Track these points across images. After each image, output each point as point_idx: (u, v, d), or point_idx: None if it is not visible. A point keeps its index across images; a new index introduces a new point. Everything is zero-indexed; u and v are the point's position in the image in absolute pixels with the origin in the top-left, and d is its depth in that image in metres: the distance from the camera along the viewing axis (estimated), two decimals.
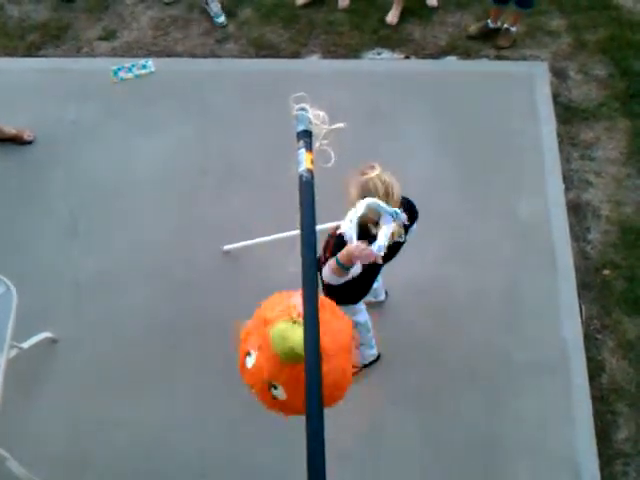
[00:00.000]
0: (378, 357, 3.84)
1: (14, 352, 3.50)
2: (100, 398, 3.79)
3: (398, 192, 2.76)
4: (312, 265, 1.73)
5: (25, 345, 3.68)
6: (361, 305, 3.36)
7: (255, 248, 4.14)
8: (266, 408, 2.54)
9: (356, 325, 3.44)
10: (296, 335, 2.21)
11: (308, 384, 1.52)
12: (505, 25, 5.14)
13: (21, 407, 3.69)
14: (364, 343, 3.65)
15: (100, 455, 3.64)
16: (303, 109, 2.07)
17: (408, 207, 2.99)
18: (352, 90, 4.85)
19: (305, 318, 1.60)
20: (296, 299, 2.35)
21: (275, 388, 2.39)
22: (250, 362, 2.40)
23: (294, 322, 2.28)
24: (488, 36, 5.20)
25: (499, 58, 5.14)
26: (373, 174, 2.73)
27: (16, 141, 4.71)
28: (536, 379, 3.80)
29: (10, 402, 3.24)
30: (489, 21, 5.16)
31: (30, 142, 4.72)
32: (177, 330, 4.00)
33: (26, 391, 3.77)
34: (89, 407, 3.77)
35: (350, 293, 3.14)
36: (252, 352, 2.38)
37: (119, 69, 5.04)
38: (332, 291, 2.96)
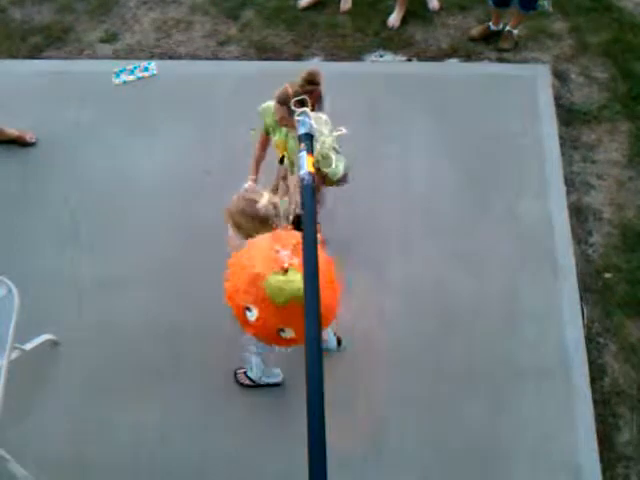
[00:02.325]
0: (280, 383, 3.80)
1: (16, 354, 3.50)
2: (101, 400, 3.79)
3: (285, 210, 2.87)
4: (313, 267, 1.73)
5: (27, 347, 3.68)
6: None
7: None
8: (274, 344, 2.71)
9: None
10: (291, 285, 2.37)
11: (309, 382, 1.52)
12: (507, 27, 5.14)
13: (23, 409, 3.69)
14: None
15: (101, 457, 3.64)
16: (305, 112, 2.07)
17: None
18: (354, 92, 4.86)
19: (306, 329, 1.60)
20: (282, 253, 2.47)
21: (283, 331, 2.56)
22: (252, 316, 2.53)
23: (285, 272, 2.41)
24: (490, 38, 5.21)
25: (501, 61, 5.15)
26: (264, 200, 2.83)
27: (18, 143, 4.72)
28: (537, 382, 3.80)
29: (12, 404, 3.24)
30: (491, 23, 5.16)
31: (32, 144, 4.73)
32: (178, 332, 4.00)
33: (28, 393, 3.77)
34: (90, 409, 3.77)
35: None
36: (252, 307, 2.51)
37: (121, 71, 5.04)
38: None
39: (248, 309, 2.52)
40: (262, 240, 2.58)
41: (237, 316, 2.60)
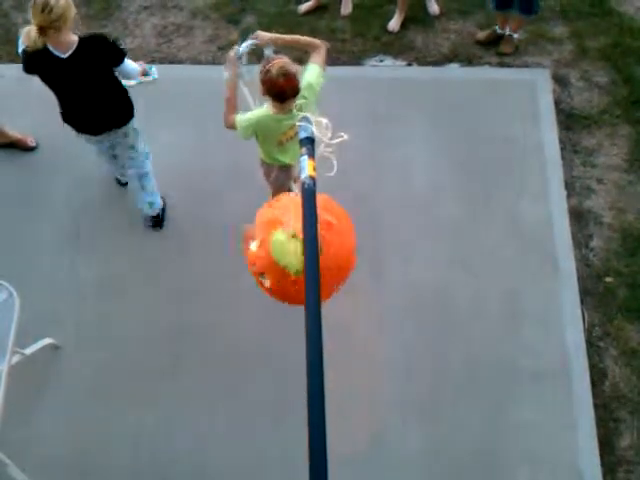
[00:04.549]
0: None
1: (17, 358, 3.51)
2: (102, 403, 3.80)
3: (57, 12, 3.25)
4: (315, 279, 1.73)
5: (27, 351, 3.69)
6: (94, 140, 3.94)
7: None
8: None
9: None
10: (292, 254, 2.59)
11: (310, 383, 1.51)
12: (507, 32, 5.14)
13: (23, 413, 3.70)
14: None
15: (101, 460, 3.65)
16: (306, 117, 2.08)
17: (92, 43, 3.50)
18: (354, 97, 4.86)
19: (307, 337, 1.60)
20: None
21: (263, 277, 2.81)
22: (253, 246, 2.77)
23: (293, 236, 2.58)
24: (496, 42, 5.20)
25: (501, 65, 5.15)
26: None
27: (19, 147, 4.73)
28: (538, 386, 3.80)
29: (13, 408, 3.24)
30: (497, 27, 5.15)
31: (33, 148, 4.75)
32: (178, 334, 4.00)
33: (28, 397, 3.77)
34: (91, 413, 3.78)
35: (71, 117, 3.86)
36: (256, 241, 2.75)
37: None
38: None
39: (253, 240, 2.74)
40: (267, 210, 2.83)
41: (244, 244, 2.84)
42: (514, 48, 5.17)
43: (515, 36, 5.12)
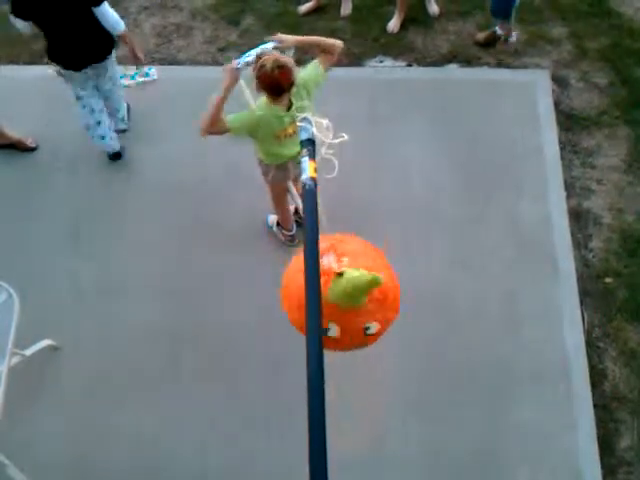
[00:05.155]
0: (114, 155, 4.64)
1: (16, 359, 3.51)
2: (101, 405, 3.79)
3: None
4: (315, 269, 1.73)
5: (27, 352, 3.68)
6: (78, 76, 4.13)
7: (252, 257, 4.17)
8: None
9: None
10: (357, 281, 2.37)
11: (310, 408, 1.52)
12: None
13: (23, 414, 3.69)
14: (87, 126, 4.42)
15: (101, 462, 3.64)
16: (306, 118, 2.08)
17: None
18: (354, 98, 4.87)
19: (307, 331, 1.60)
20: (325, 261, 2.46)
21: (368, 328, 2.57)
22: (335, 332, 2.50)
23: (340, 275, 2.38)
24: (495, 43, 5.20)
25: (500, 66, 5.15)
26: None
27: (19, 147, 4.73)
28: (537, 387, 3.79)
29: (12, 408, 3.24)
30: (497, 28, 5.15)
31: (33, 149, 4.75)
32: (178, 337, 4.00)
33: (28, 398, 3.77)
34: (90, 414, 3.77)
35: (57, 54, 4.04)
36: (333, 327, 2.48)
37: (122, 77, 5.03)
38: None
39: (326, 330, 2.45)
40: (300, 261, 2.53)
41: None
42: (512, 47, 5.17)
43: (513, 38, 5.10)
